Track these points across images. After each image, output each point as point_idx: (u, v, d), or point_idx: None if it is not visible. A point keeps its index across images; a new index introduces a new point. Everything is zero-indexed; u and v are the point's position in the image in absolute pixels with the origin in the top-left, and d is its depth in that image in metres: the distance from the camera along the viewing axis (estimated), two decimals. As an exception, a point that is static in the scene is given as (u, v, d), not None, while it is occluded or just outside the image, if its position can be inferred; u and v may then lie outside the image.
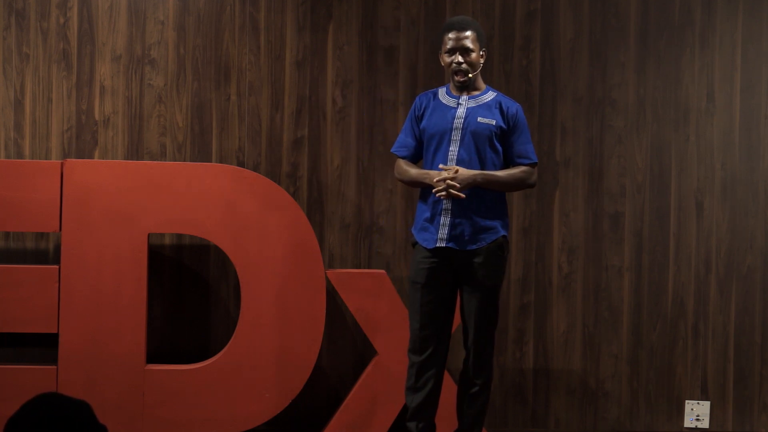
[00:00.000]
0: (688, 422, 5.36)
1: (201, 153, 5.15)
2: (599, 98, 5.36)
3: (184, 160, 5.13)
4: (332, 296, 5.07)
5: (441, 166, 4.12)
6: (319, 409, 5.16)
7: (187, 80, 5.16)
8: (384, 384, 4.86)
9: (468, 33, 4.15)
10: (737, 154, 5.40)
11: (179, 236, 5.10)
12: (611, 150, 5.36)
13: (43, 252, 5.07)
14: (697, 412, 5.35)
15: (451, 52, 4.16)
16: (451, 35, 4.16)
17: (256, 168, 5.15)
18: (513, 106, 4.21)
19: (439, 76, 5.22)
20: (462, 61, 4.15)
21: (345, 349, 5.22)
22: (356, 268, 5.20)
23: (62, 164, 4.74)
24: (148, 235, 4.78)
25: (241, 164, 5.14)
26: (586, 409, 5.36)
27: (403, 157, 4.30)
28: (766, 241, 5.41)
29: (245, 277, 4.84)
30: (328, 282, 4.91)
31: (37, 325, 4.71)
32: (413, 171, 4.23)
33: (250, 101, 5.19)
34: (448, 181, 4.05)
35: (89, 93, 5.10)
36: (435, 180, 4.09)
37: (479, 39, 4.18)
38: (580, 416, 5.36)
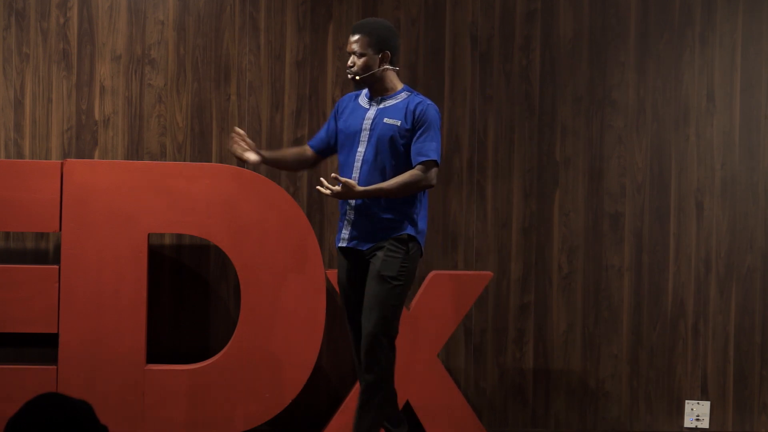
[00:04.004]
0: (688, 422, 5.36)
1: (201, 153, 5.15)
2: (599, 98, 5.36)
3: (184, 160, 5.12)
4: (332, 296, 5.07)
5: (342, 179, 3.98)
6: (319, 409, 5.16)
7: (187, 80, 5.15)
8: (384, 384, 4.85)
9: (356, 37, 4.11)
10: (737, 154, 5.40)
11: (179, 236, 5.10)
12: (611, 150, 5.36)
13: (43, 252, 5.06)
14: (697, 412, 5.35)
15: (348, 54, 4.18)
16: (350, 38, 4.17)
17: (256, 168, 5.14)
18: (421, 104, 4.11)
19: (438, 75, 5.22)
20: (351, 64, 4.14)
21: (345, 349, 5.22)
22: (356, 268, 5.19)
23: (62, 164, 4.74)
24: (148, 235, 4.78)
25: (241, 164, 5.13)
26: (586, 409, 5.36)
27: (310, 146, 4.36)
28: (766, 242, 5.40)
29: (245, 277, 4.83)
30: (328, 282, 4.91)
31: (37, 325, 4.71)
32: (287, 152, 4.43)
33: (250, 101, 5.18)
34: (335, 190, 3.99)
35: (89, 93, 5.10)
36: (326, 188, 4.00)
37: (371, 43, 4.09)
38: (580, 416, 5.35)
